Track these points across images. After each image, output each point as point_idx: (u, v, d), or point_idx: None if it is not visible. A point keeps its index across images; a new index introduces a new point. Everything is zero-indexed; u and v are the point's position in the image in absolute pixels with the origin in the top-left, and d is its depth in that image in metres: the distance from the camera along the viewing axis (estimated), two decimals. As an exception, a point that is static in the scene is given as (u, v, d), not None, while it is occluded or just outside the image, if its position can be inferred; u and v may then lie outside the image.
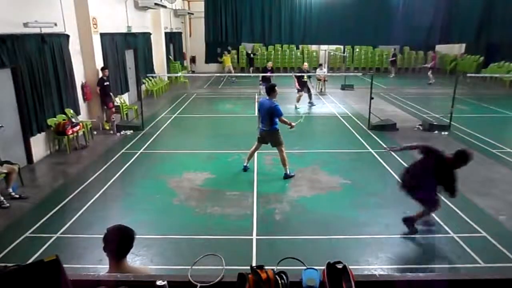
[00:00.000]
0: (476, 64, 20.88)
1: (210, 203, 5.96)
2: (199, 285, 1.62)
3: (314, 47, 24.71)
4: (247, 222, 5.41)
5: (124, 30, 12.98)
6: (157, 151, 8.78)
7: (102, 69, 10.30)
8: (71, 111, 9.03)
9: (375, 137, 9.59)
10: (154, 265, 4.41)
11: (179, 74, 19.35)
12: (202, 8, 13.33)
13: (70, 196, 6.22)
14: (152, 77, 15.95)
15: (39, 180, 7.08)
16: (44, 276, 1.46)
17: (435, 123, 10.33)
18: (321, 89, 16.44)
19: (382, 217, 5.52)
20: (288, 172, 6.90)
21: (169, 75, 18.51)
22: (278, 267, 1.66)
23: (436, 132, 9.98)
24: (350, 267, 1.63)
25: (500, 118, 12.01)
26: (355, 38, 13.95)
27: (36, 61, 7.73)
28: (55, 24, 8.36)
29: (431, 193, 4.87)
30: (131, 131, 10.12)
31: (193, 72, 24.01)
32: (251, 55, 22.31)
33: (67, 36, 9.02)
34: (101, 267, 4.10)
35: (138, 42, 14.30)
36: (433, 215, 5.40)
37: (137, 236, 2.41)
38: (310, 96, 13.70)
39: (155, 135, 9.89)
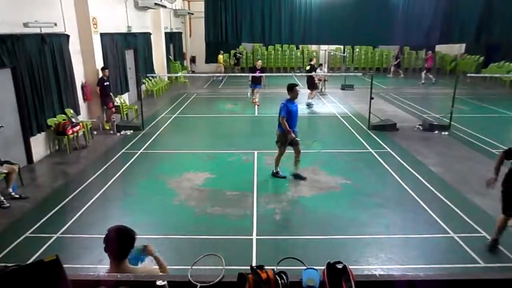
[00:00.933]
0: (476, 64, 20.88)
1: (210, 203, 5.96)
2: (199, 285, 1.62)
3: (314, 47, 24.70)
4: (247, 222, 5.41)
5: (124, 30, 12.98)
6: (157, 151, 8.78)
7: (102, 69, 10.30)
8: (71, 111, 9.03)
9: (375, 137, 9.59)
10: (154, 265, 4.41)
11: (179, 74, 19.35)
12: (202, 8, 13.31)
13: (70, 196, 6.22)
14: (152, 77, 15.95)
15: (39, 180, 7.08)
16: (44, 276, 1.46)
17: (435, 123, 10.33)
18: (321, 89, 16.43)
19: (382, 217, 5.52)
20: (276, 171, 6.95)
21: (169, 75, 18.51)
22: (278, 267, 1.66)
23: (436, 132, 9.98)
24: (350, 267, 1.63)
25: (500, 118, 12.01)
26: (355, 38, 13.93)
27: (36, 61, 7.72)
28: (55, 24, 8.36)
29: None
30: (131, 131, 10.12)
31: (193, 72, 24.01)
32: (238, 55, 22.32)
33: (67, 36, 9.02)
34: (101, 267, 4.10)
35: (138, 42, 14.30)
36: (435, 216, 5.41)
37: (137, 236, 2.41)
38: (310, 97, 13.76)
39: (155, 135, 9.89)
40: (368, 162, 7.86)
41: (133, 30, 13.71)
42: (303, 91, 13.70)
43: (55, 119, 8.39)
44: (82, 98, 10.05)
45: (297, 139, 6.71)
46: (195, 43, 24.04)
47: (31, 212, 5.71)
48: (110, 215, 5.73)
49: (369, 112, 10.44)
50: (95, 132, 9.89)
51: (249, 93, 14.51)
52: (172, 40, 20.38)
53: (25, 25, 7.38)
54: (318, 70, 16.23)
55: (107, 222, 5.13)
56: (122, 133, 10.01)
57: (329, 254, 4.56)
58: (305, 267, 1.65)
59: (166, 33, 18.55)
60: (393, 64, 22.18)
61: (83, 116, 9.87)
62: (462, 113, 11.95)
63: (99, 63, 10.52)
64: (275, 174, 6.95)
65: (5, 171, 5.97)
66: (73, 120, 8.76)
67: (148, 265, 2.83)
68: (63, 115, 8.70)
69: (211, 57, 24.26)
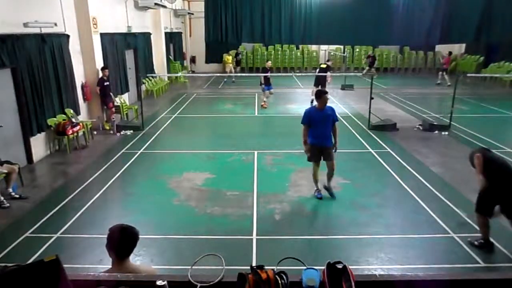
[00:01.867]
0: (476, 64, 20.87)
1: (210, 203, 5.96)
2: (199, 285, 1.62)
3: (314, 47, 24.69)
4: (247, 222, 5.41)
5: (124, 30, 12.98)
6: (157, 151, 8.78)
7: (102, 69, 10.29)
8: (71, 111, 9.03)
9: (375, 137, 9.59)
10: (154, 265, 4.41)
11: (179, 74, 19.35)
12: (202, 8, 13.30)
13: (70, 196, 6.22)
14: (152, 77, 15.95)
15: (39, 180, 7.08)
16: (44, 276, 1.46)
17: (435, 123, 10.33)
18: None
19: (382, 217, 5.52)
20: (315, 188, 6.20)
21: (169, 75, 18.51)
22: (278, 267, 1.66)
23: (436, 132, 9.98)
24: (350, 267, 1.63)
25: (500, 118, 12.02)
26: (355, 38, 13.91)
27: (36, 61, 7.72)
28: (55, 24, 8.36)
29: None
30: (131, 131, 10.12)
31: (193, 72, 24.01)
32: (238, 55, 22.21)
33: (67, 36, 9.02)
34: (101, 267, 4.10)
35: (138, 42, 14.30)
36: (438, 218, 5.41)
37: (139, 236, 2.42)
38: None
39: (155, 135, 9.89)
40: (368, 162, 7.86)
41: (133, 30, 13.71)
42: (308, 91, 13.72)
43: (55, 119, 8.39)
44: (82, 98, 10.05)
45: (329, 151, 5.91)
46: (195, 43, 24.04)
47: (31, 212, 5.71)
48: (110, 215, 5.73)
49: (369, 112, 10.44)
50: (95, 132, 9.89)
51: (265, 98, 13.55)
52: (172, 40, 20.38)
53: (25, 25, 7.38)
54: (318, 70, 16.21)
55: (107, 222, 5.13)
56: (122, 133, 10.01)
57: (329, 254, 4.56)
58: (305, 267, 1.65)
59: (166, 33, 18.55)
60: (367, 60, 21.47)
61: (83, 116, 9.88)
62: (462, 113, 11.95)
63: (99, 63, 10.52)
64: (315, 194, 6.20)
65: (5, 171, 5.97)
66: (73, 120, 8.77)
67: (147, 265, 2.83)
68: (63, 115, 8.70)
69: (211, 57, 24.28)
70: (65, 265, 1.51)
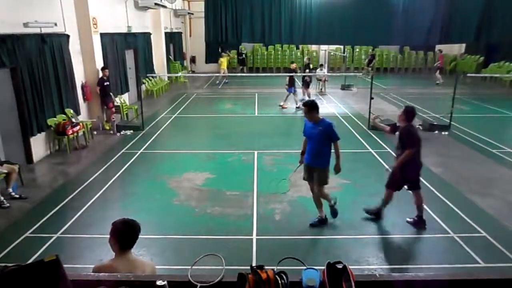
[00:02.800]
0: (476, 64, 20.87)
1: (210, 203, 5.96)
2: (199, 285, 1.62)
3: (314, 47, 24.70)
4: (247, 222, 5.41)
5: (124, 30, 12.98)
6: (157, 151, 8.78)
7: (102, 69, 10.30)
8: (71, 111, 9.03)
9: (375, 137, 9.59)
10: (154, 265, 4.41)
11: (179, 74, 19.35)
12: (202, 8, 13.31)
13: (70, 196, 6.22)
14: (152, 77, 15.95)
15: (39, 180, 7.08)
16: (44, 276, 1.46)
17: (435, 123, 10.33)
18: (321, 89, 16.44)
19: (382, 217, 5.51)
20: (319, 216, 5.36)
21: (169, 75, 18.50)
22: (278, 267, 1.66)
23: (436, 132, 9.98)
24: (350, 267, 1.63)
25: (500, 118, 12.02)
26: (355, 38, 13.92)
27: (36, 61, 7.72)
28: (55, 24, 8.36)
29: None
30: (131, 131, 10.12)
31: (193, 72, 24.01)
32: (242, 55, 22.07)
33: (67, 36, 9.02)
34: (101, 267, 4.11)
35: (138, 42, 14.30)
36: (433, 214, 5.41)
37: (140, 229, 2.48)
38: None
39: (155, 135, 9.89)
40: (368, 162, 7.86)
41: (133, 30, 13.71)
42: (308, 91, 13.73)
43: (55, 119, 8.39)
44: (82, 98, 10.05)
45: (314, 172, 5.17)
46: (195, 43, 24.03)
47: (31, 212, 5.71)
48: (110, 215, 5.71)
49: (369, 112, 10.43)
50: (95, 132, 9.90)
51: (297, 102, 12.96)
52: (172, 40, 20.37)
53: (25, 25, 7.38)
54: (318, 70, 16.23)
55: (107, 222, 5.11)
56: (122, 133, 10.01)
57: (329, 254, 4.56)
58: (305, 267, 1.65)
59: (166, 33, 18.55)
60: (366, 61, 21.55)
61: (83, 116, 9.88)
62: (462, 113, 11.95)
63: (99, 63, 10.52)
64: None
65: (5, 171, 5.97)
66: (73, 120, 8.77)
67: (147, 260, 2.87)
68: (63, 115, 8.70)
69: (211, 57, 24.27)
70: (65, 265, 1.51)
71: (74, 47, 9.51)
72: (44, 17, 8.03)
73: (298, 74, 14.64)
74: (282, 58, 24.50)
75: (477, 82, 19.27)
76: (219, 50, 21.53)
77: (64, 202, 6.02)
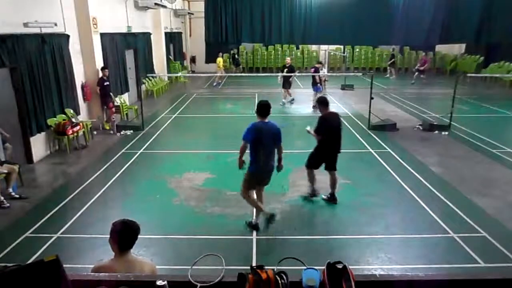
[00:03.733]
0: (476, 64, 20.87)
1: (210, 203, 5.96)
2: (199, 285, 1.62)
3: (314, 47, 24.71)
4: (247, 222, 5.40)
5: (124, 30, 12.98)
6: (157, 151, 8.78)
7: (102, 69, 10.29)
8: (71, 111, 9.03)
9: (375, 137, 9.59)
10: (155, 265, 4.41)
11: (179, 74, 19.34)
12: (202, 8, 13.33)
13: (70, 196, 6.22)
14: (152, 77, 15.95)
15: (39, 180, 7.08)
16: (44, 276, 1.46)
17: (435, 123, 10.34)
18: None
19: (382, 217, 5.52)
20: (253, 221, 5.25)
21: (169, 75, 18.50)
22: (278, 267, 1.66)
23: (436, 132, 9.98)
24: (350, 267, 1.63)
25: (500, 118, 12.01)
26: (355, 38, 13.93)
27: (36, 61, 7.72)
28: (55, 24, 8.35)
29: None
30: (131, 131, 10.12)
31: (193, 72, 24.01)
32: (235, 55, 21.95)
33: (67, 36, 9.02)
34: (101, 267, 4.11)
35: (138, 42, 14.29)
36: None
37: (140, 230, 2.49)
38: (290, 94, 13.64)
39: (155, 135, 9.89)
40: (368, 162, 7.86)
41: (133, 30, 13.71)
42: (308, 91, 13.71)
43: (55, 119, 8.39)
44: (82, 98, 10.05)
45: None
46: (195, 43, 24.04)
47: (31, 212, 5.71)
48: (110, 215, 5.71)
49: (369, 112, 10.44)
50: (95, 132, 9.90)
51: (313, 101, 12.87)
52: (172, 40, 20.37)
53: (25, 25, 7.38)
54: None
55: (107, 222, 5.10)
56: (122, 133, 10.01)
57: (329, 254, 4.56)
58: (305, 267, 1.65)
59: (166, 33, 18.54)
60: (388, 63, 21.67)
61: (83, 116, 9.87)
62: (462, 113, 11.95)
63: (99, 63, 10.52)
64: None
65: (5, 171, 5.97)
66: (73, 120, 8.76)
67: (147, 259, 2.87)
68: (63, 115, 8.70)
69: (211, 57, 24.27)
70: (65, 265, 1.51)
71: (74, 47, 9.51)
72: (44, 17, 8.02)
73: (297, 74, 14.61)
74: (282, 58, 24.49)
75: (477, 82, 19.27)
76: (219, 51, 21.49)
77: (64, 202, 6.02)
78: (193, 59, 24.72)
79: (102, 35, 10.70)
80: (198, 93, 16.67)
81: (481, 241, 4.85)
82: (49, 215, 5.58)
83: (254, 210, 5.28)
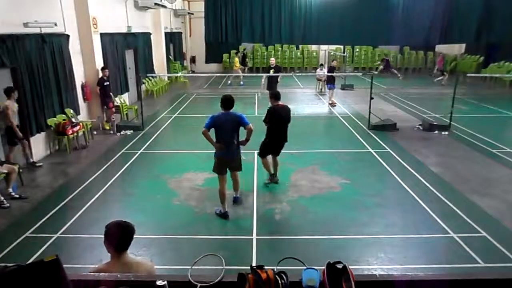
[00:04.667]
0: (476, 64, 20.87)
1: (210, 203, 5.95)
2: (199, 285, 1.62)
3: (314, 47, 24.72)
4: (247, 222, 5.41)
5: (124, 30, 12.99)
6: (157, 151, 8.78)
7: (102, 69, 10.29)
8: (71, 111, 9.03)
9: (375, 137, 9.59)
10: (154, 265, 4.41)
11: (179, 74, 19.34)
12: (202, 8, 13.29)
13: (70, 196, 6.22)
14: (152, 77, 15.95)
15: (39, 180, 7.08)
16: (44, 276, 1.46)
17: (435, 123, 10.34)
18: (321, 89, 16.44)
19: (382, 217, 5.52)
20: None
21: (169, 75, 18.50)
22: (278, 267, 1.66)
23: (436, 132, 9.98)
24: (350, 267, 1.63)
25: (500, 118, 12.02)
26: (355, 38, 13.92)
27: (36, 61, 7.72)
28: (55, 24, 8.35)
29: None
30: (131, 131, 10.12)
31: (193, 72, 24.01)
32: (244, 53, 21.78)
33: (67, 36, 9.02)
34: (101, 267, 4.11)
35: (138, 42, 14.30)
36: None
37: (137, 236, 2.47)
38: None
39: (155, 135, 9.89)
40: (368, 162, 7.86)
41: (133, 30, 13.71)
42: (308, 91, 13.71)
43: (55, 119, 8.39)
44: (82, 98, 10.05)
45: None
46: (195, 43, 24.05)
47: (31, 212, 5.71)
48: (110, 215, 5.72)
49: (369, 112, 10.44)
50: (95, 132, 9.90)
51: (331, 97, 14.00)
52: (172, 40, 20.37)
53: (25, 25, 7.38)
54: (318, 70, 16.24)
55: (107, 222, 5.09)
56: (122, 133, 10.01)
57: (329, 254, 4.56)
58: (305, 267, 1.65)
59: (166, 33, 18.54)
60: (382, 68, 21.10)
61: (83, 116, 9.87)
62: (462, 113, 11.95)
63: (99, 63, 10.52)
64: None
65: (5, 171, 5.97)
66: (73, 120, 8.76)
67: (145, 260, 2.87)
68: (63, 115, 8.70)
69: (211, 57, 24.29)
70: (65, 265, 1.51)
71: (74, 47, 9.51)
72: (44, 17, 8.02)
73: (297, 74, 14.60)
74: (282, 58, 24.51)
75: (477, 82, 19.27)
76: (236, 51, 21.33)
77: (64, 202, 6.02)
78: (193, 59, 24.72)
79: (102, 35, 10.70)
80: (198, 93, 16.68)
81: (481, 241, 4.85)
82: (49, 215, 5.58)
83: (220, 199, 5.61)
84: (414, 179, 6.87)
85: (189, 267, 1.70)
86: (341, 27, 12.43)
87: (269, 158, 6.69)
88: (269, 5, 12.39)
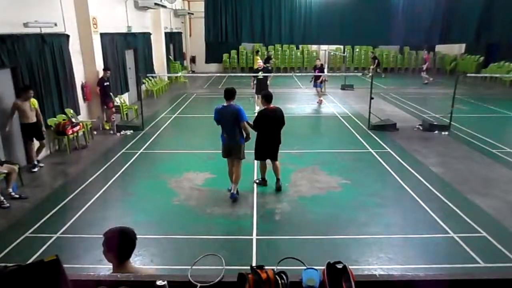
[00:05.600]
0: (476, 64, 20.87)
1: (210, 203, 5.96)
2: (199, 285, 1.62)
3: (314, 47, 24.70)
4: (247, 222, 5.41)
5: (124, 30, 12.98)
6: (157, 151, 8.78)
7: (104, 70, 10.30)
8: (71, 111, 9.02)
9: (375, 137, 9.59)
10: (154, 265, 4.41)
11: (179, 74, 19.34)
12: (202, 8, 13.29)
13: (70, 196, 6.22)
14: (152, 77, 15.94)
15: (39, 180, 7.08)
16: (44, 276, 1.46)
17: (435, 123, 10.34)
18: (321, 89, 16.42)
19: (382, 217, 5.52)
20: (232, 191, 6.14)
21: (169, 75, 18.50)
22: (278, 267, 1.66)
23: (436, 132, 9.98)
24: (350, 267, 1.63)
25: (500, 118, 12.02)
26: (355, 38, 13.93)
27: (36, 61, 7.72)
28: (55, 24, 8.35)
29: None
30: (131, 131, 10.12)
31: (193, 72, 24.01)
32: (267, 56, 20.36)
33: (67, 36, 9.01)
34: (101, 267, 4.11)
35: (138, 42, 14.29)
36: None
37: (137, 236, 2.40)
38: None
39: (155, 135, 9.89)
40: (368, 162, 7.86)
41: (133, 30, 13.71)
42: (307, 90, 13.71)
43: (55, 119, 8.39)
44: (82, 98, 10.05)
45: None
46: (195, 43, 24.04)
47: (31, 212, 5.71)
48: (110, 215, 5.72)
49: (369, 112, 10.44)
50: (95, 132, 9.90)
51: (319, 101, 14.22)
52: (172, 40, 20.38)
53: (25, 25, 7.37)
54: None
55: (107, 222, 5.14)
56: (122, 133, 10.01)
57: (329, 254, 4.56)
58: (305, 267, 1.65)
59: (166, 33, 18.54)
60: (373, 67, 20.96)
61: (83, 116, 9.87)
62: (462, 113, 11.95)
63: (99, 63, 10.52)
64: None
65: (5, 171, 5.97)
66: (73, 120, 8.76)
67: (148, 268, 2.84)
68: (63, 115, 8.69)
69: (211, 57, 24.28)
70: (65, 265, 1.51)
71: (74, 47, 9.51)
72: (44, 17, 8.02)
73: (297, 74, 14.62)
74: (282, 58, 24.50)
75: (477, 82, 19.28)
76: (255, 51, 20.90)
77: (64, 202, 6.02)
78: (193, 59, 24.73)
79: (102, 35, 10.69)
80: (198, 93, 16.68)
81: (481, 241, 4.85)
82: (49, 215, 5.58)
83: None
84: (414, 179, 6.87)
85: (189, 267, 1.70)
86: (341, 27, 12.43)
87: (268, 162, 6.59)
88: (269, 5, 12.39)
